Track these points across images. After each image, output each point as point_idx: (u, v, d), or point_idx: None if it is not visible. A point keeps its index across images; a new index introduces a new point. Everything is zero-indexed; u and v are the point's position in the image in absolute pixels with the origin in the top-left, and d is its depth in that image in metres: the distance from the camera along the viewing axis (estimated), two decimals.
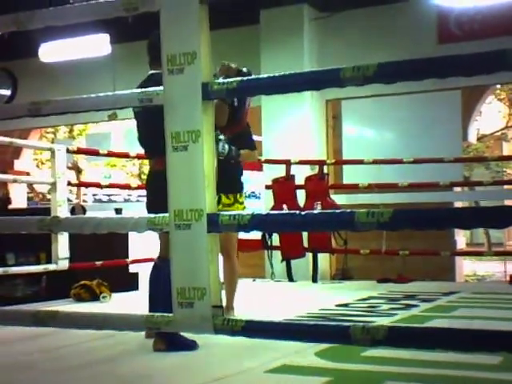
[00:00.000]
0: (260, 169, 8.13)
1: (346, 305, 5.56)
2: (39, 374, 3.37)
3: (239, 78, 2.48)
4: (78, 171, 11.03)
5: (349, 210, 2.30)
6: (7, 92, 11.71)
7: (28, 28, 2.85)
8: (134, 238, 7.18)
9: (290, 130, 8.80)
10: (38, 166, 18.49)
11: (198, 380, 3.08)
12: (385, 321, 4.46)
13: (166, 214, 2.62)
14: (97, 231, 2.92)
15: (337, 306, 5.48)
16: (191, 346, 3.72)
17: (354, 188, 8.42)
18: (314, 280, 7.81)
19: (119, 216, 3.03)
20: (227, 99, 4.26)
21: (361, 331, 2.25)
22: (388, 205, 7.08)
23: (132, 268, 7.50)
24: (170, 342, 3.67)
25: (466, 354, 3.00)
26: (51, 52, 10.53)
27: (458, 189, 9.30)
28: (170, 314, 2.65)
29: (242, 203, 4.82)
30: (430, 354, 3.10)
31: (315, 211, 2.38)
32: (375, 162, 8.16)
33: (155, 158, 3.86)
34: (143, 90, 2.73)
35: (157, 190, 3.51)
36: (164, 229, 2.67)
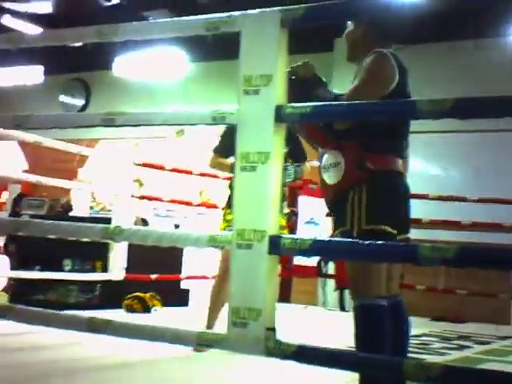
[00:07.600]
0: (320, 195, 8.09)
1: None
2: None
3: (313, 104, 2.48)
4: (140, 184, 11.16)
5: (413, 244, 2.27)
6: (81, 102, 12.02)
7: (111, 40, 2.91)
8: (187, 254, 7.25)
9: None
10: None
11: None
12: (437, 359, 4.38)
13: (229, 233, 2.63)
14: (158, 243, 2.94)
15: None
16: None
17: (416, 223, 8.29)
18: None
19: (181, 231, 3.05)
20: None
21: (414, 367, 2.21)
22: (449, 242, 6.97)
23: (183, 284, 7.57)
24: None
25: None
26: (125, 66, 10.76)
27: None
28: (223, 332, 2.64)
29: None
30: None
31: (379, 242, 2.36)
32: (440, 198, 8.08)
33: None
34: (217, 108, 2.76)
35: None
36: (225, 247, 2.68)
